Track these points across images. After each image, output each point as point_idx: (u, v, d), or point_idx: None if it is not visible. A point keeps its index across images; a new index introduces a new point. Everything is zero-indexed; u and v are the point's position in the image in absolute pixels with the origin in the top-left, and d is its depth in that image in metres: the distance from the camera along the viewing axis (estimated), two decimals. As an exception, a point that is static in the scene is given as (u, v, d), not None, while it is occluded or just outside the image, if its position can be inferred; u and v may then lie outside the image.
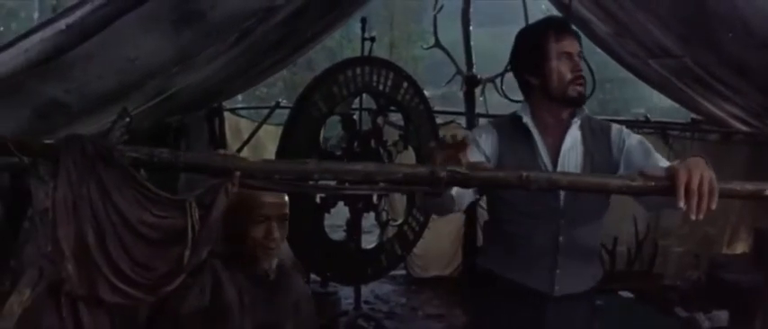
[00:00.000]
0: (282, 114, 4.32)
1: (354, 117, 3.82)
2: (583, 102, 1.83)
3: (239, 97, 7.70)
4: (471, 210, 4.25)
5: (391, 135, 4.09)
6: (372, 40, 3.93)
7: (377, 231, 4.35)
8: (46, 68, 1.59)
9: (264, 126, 4.79)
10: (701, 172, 1.40)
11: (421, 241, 4.35)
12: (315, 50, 6.78)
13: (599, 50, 4.16)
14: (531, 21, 2.31)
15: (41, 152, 1.29)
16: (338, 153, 3.76)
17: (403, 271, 5.54)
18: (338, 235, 4.21)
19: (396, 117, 4.23)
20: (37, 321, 1.29)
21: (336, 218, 4.15)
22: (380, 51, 8.18)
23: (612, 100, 17.66)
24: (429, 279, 5.49)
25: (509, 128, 1.89)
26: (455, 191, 1.61)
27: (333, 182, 1.52)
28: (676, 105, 4.62)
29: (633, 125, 4.54)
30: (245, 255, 1.66)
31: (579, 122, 1.84)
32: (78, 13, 1.53)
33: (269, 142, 4.71)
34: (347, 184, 1.48)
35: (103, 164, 1.28)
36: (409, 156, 4.01)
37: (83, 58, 1.71)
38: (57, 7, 11.16)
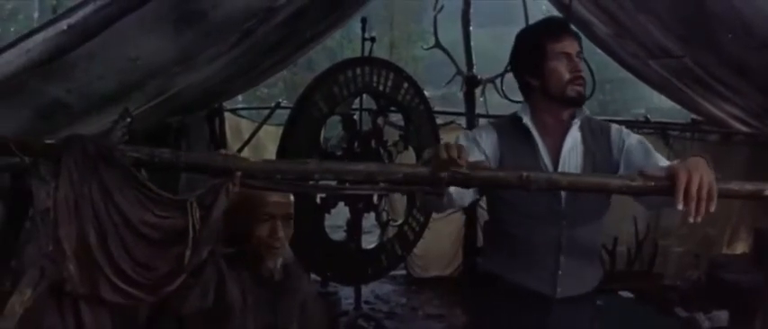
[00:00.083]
0: (283, 114, 4.32)
1: (355, 117, 3.82)
2: (582, 102, 1.83)
3: (240, 97, 7.72)
4: (471, 210, 4.25)
5: (391, 135, 4.09)
6: (372, 40, 3.93)
7: (377, 231, 4.35)
8: (48, 68, 1.59)
9: (265, 126, 4.80)
10: (700, 174, 1.40)
11: (421, 241, 4.35)
12: (315, 51, 6.79)
13: (599, 51, 4.16)
14: (531, 21, 2.31)
15: (43, 152, 1.29)
16: (339, 153, 3.76)
17: (403, 272, 5.54)
18: (338, 235, 4.22)
19: (396, 117, 4.23)
20: (38, 321, 1.29)
21: (337, 219, 4.15)
22: (380, 52, 8.17)
23: (612, 100, 17.66)
24: (429, 279, 5.49)
25: (509, 128, 1.89)
26: (455, 189, 1.61)
27: (333, 183, 1.53)
28: (676, 106, 4.62)
29: (633, 125, 4.54)
30: (250, 255, 1.66)
31: (579, 123, 1.85)
32: (80, 14, 1.53)
33: (269, 142, 4.72)
34: (347, 184, 1.48)
35: (105, 164, 1.28)
36: (409, 157, 4.01)
37: (84, 59, 1.71)
38: (57, 8, 11.17)
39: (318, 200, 3.65)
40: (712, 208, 1.40)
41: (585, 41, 3.66)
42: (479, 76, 4.59)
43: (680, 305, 3.36)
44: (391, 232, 4.17)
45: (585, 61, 1.94)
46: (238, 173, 1.32)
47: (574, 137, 1.84)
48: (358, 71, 3.65)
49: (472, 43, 4.71)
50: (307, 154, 3.31)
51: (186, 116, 3.89)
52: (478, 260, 2.05)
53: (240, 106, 6.30)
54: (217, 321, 1.58)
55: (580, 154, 1.84)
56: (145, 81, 2.23)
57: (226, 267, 1.63)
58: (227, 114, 4.77)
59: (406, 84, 3.95)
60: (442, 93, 8.01)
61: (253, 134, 4.63)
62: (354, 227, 3.89)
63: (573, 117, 1.85)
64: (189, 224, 1.31)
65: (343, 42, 14.44)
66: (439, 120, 4.67)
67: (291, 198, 1.69)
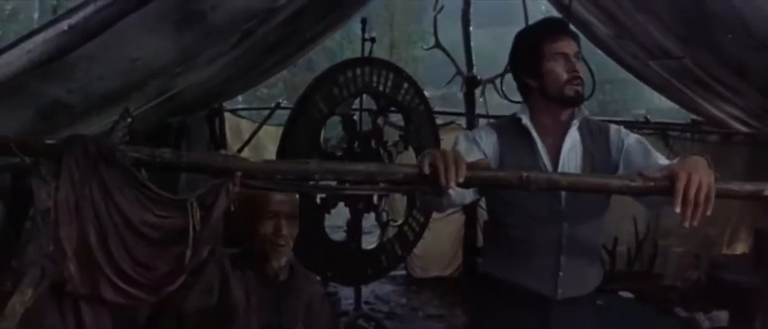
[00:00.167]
0: (283, 115, 4.33)
1: (355, 117, 3.82)
2: (580, 102, 1.83)
3: (240, 98, 7.73)
4: (471, 211, 4.25)
5: (391, 135, 4.09)
6: (372, 40, 3.93)
7: (377, 231, 4.35)
8: (48, 69, 1.60)
9: (265, 126, 4.80)
10: (700, 177, 1.40)
11: (421, 241, 4.35)
12: (315, 51, 6.80)
13: (599, 51, 4.16)
14: (531, 22, 2.31)
15: (43, 152, 1.29)
16: (339, 153, 3.76)
17: (403, 272, 5.54)
18: (339, 235, 4.21)
19: (396, 117, 4.23)
20: (39, 321, 1.30)
21: (337, 219, 4.15)
22: (381, 52, 8.18)
23: (612, 101, 17.68)
24: (429, 279, 5.49)
25: (509, 129, 1.89)
26: (455, 189, 1.61)
27: (333, 183, 1.53)
28: (676, 106, 4.62)
29: (633, 126, 4.54)
30: (255, 254, 1.66)
31: (578, 124, 1.85)
32: (81, 14, 1.53)
33: (269, 143, 4.72)
34: (347, 185, 1.49)
35: (105, 164, 1.28)
36: (410, 157, 4.01)
37: (85, 59, 1.71)
38: (57, 8, 11.18)
39: (318, 201, 3.65)
40: (708, 212, 1.40)
41: (586, 42, 3.68)
42: (479, 77, 4.59)
43: (680, 305, 3.36)
44: (391, 232, 4.17)
45: (585, 62, 1.95)
46: (238, 174, 1.33)
47: (573, 138, 1.84)
48: (358, 71, 3.65)
49: (472, 43, 4.71)
50: (307, 154, 3.31)
51: (186, 116, 3.90)
52: (478, 260, 2.05)
53: (240, 106, 6.31)
54: (220, 320, 1.59)
55: (579, 154, 1.84)
56: (145, 81, 2.23)
57: (230, 267, 1.63)
58: (227, 114, 4.77)
59: (406, 85, 3.95)
60: (442, 94, 8.01)
61: (253, 134, 4.63)
62: (354, 228, 3.89)
63: (572, 118, 1.85)
64: (189, 224, 1.32)
65: (342, 43, 14.46)
66: (439, 121, 4.67)
67: (297, 196, 1.69)
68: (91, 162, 1.28)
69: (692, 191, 1.39)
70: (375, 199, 3.99)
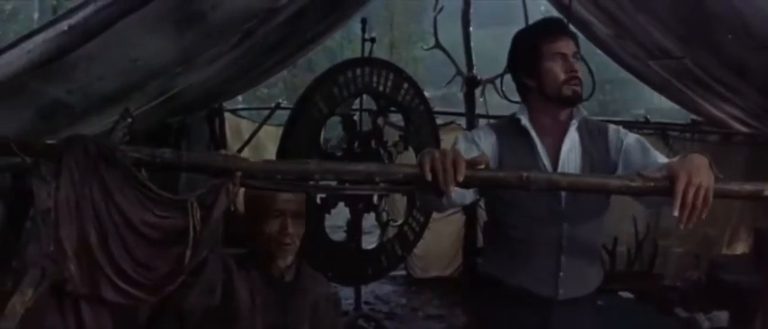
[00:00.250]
0: (283, 115, 4.33)
1: (355, 118, 3.82)
2: (579, 101, 1.83)
3: (240, 98, 7.73)
4: (471, 211, 4.25)
5: (391, 135, 4.09)
6: (372, 40, 3.94)
7: (377, 232, 4.35)
8: (48, 69, 1.60)
9: (265, 127, 4.80)
10: (700, 180, 1.40)
11: (421, 241, 4.35)
12: (315, 51, 6.80)
13: (599, 51, 4.16)
14: (531, 22, 2.31)
15: (44, 152, 1.29)
16: (339, 154, 3.77)
17: (403, 272, 5.54)
18: (339, 235, 4.22)
19: (396, 118, 4.23)
20: (39, 321, 1.29)
21: (337, 219, 4.15)
22: (381, 52, 8.18)
23: (612, 101, 17.68)
24: (429, 279, 5.49)
25: (508, 130, 1.89)
26: (455, 189, 1.61)
27: (333, 183, 1.53)
28: (676, 106, 4.62)
29: (633, 126, 4.54)
30: (261, 253, 1.66)
31: (577, 124, 1.85)
32: (81, 15, 1.54)
33: (269, 143, 4.73)
34: (347, 185, 1.49)
35: (106, 164, 1.29)
36: (410, 157, 4.01)
37: (85, 59, 1.71)
38: (57, 8, 11.18)
39: (318, 201, 3.65)
40: (704, 216, 1.41)
41: (586, 42, 3.68)
42: (479, 77, 4.60)
43: (680, 305, 3.36)
44: (391, 232, 4.17)
45: (585, 62, 1.95)
46: (238, 173, 1.33)
47: (572, 138, 1.84)
48: (358, 72, 3.65)
49: (472, 43, 4.72)
50: (307, 154, 3.31)
51: (186, 116, 3.90)
52: (478, 260, 2.04)
53: (240, 106, 6.31)
54: (224, 320, 1.58)
55: (579, 155, 1.84)
56: (145, 81, 2.23)
57: (235, 267, 1.63)
58: (227, 114, 4.78)
59: (406, 85, 3.96)
60: (442, 94, 8.02)
61: (253, 134, 4.63)
62: (354, 228, 3.89)
63: (571, 118, 1.85)
64: (189, 224, 1.32)
65: (343, 43, 14.46)
66: (439, 121, 4.67)
67: (303, 196, 1.69)
68: (91, 162, 1.28)
69: (691, 194, 1.39)
70: (375, 199, 3.99)
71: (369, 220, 4.13)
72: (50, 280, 1.27)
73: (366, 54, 3.85)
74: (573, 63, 1.80)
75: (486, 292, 1.96)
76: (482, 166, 1.44)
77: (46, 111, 1.83)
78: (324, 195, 3.58)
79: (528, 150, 1.84)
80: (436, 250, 5.33)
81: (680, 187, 1.40)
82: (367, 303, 4.86)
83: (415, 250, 4.63)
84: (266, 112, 5.05)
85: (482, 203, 2.82)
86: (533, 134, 1.84)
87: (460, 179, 1.37)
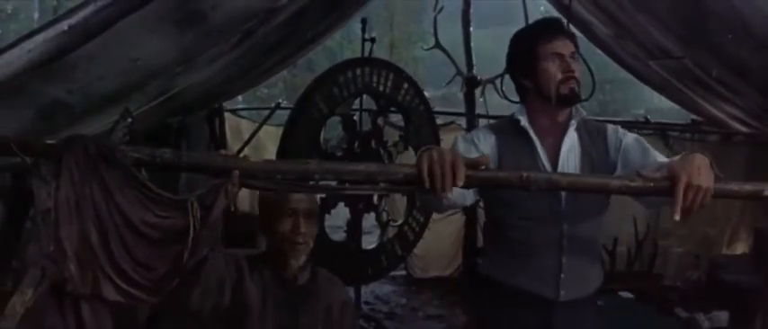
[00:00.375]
0: (283, 115, 4.33)
1: (355, 118, 3.82)
2: (576, 101, 1.82)
3: (240, 98, 7.73)
4: (471, 211, 4.25)
5: (391, 136, 4.09)
6: (373, 40, 3.93)
7: (377, 232, 4.35)
8: (48, 69, 1.60)
9: (265, 127, 4.80)
10: (700, 183, 1.40)
11: (421, 241, 4.35)
12: (315, 51, 6.80)
13: (599, 51, 4.16)
14: (530, 22, 2.31)
15: (44, 152, 1.29)
16: (339, 154, 3.76)
17: (403, 272, 5.54)
18: (339, 235, 4.22)
19: (396, 118, 4.23)
20: (39, 321, 1.30)
21: (337, 219, 4.15)
22: (381, 52, 8.18)
23: (612, 101, 17.68)
24: (429, 279, 5.49)
25: (507, 130, 1.88)
26: (456, 190, 1.61)
27: (333, 183, 1.53)
28: (676, 106, 4.62)
29: (633, 126, 4.54)
30: (274, 253, 1.66)
31: (576, 124, 1.84)
32: (81, 15, 1.54)
33: (269, 143, 4.73)
34: (347, 185, 1.49)
35: (106, 164, 1.29)
36: (410, 157, 4.01)
37: (85, 59, 1.72)
38: (57, 8, 11.18)
39: (318, 201, 3.65)
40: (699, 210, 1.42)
41: (586, 42, 3.68)
42: (479, 77, 4.60)
43: (680, 305, 3.36)
44: (391, 232, 4.16)
45: (585, 62, 1.94)
46: (237, 173, 1.33)
47: (571, 139, 1.84)
48: (358, 72, 3.65)
49: (472, 44, 4.72)
50: (307, 154, 3.31)
51: (186, 116, 3.90)
52: (478, 260, 2.04)
53: (240, 106, 6.32)
54: (234, 320, 1.58)
55: (578, 155, 1.84)
56: (145, 81, 2.23)
57: (248, 267, 1.62)
58: (227, 114, 4.78)
59: (406, 85, 3.95)
60: (442, 94, 8.02)
61: (253, 134, 4.63)
62: (354, 228, 3.89)
63: (570, 118, 1.85)
64: (189, 224, 1.32)
65: (343, 43, 14.47)
66: (439, 121, 4.67)
67: (316, 196, 1.68)
68: (91, 162, 1.28)
69: (691, 196, 1.40)
70: (375, 199, 3.99)
71: (369, 220, 4.13)
72: (50, 280, 1.27)
73: (366, 54, 3.85)
74: (570, 63, 1.79)
75: (487, 292, 1.96)
76: (483, 167, 1.44)
77: (46, 110, 1.83)
78: (324, 195, 3.57)
79: (527, 151, 1.84)
80: (436, 250, 5.33)
81: (680, 188, 1.40)
82: (367, 303, 4.86)
83: (415, 250, 4.63)
84: (266, 112, 5.05)
85: (482, 203, 2.83)
86: (532, 134, 1.84)
87: (459, 183, 1.37)
